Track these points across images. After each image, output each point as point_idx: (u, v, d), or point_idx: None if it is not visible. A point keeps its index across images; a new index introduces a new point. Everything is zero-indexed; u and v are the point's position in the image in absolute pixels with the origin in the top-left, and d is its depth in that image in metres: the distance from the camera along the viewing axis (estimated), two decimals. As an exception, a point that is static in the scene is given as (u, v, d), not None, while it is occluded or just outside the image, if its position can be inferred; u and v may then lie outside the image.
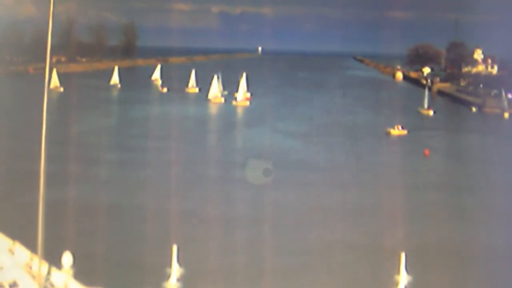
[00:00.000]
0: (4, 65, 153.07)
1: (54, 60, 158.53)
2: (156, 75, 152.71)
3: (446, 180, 59.05)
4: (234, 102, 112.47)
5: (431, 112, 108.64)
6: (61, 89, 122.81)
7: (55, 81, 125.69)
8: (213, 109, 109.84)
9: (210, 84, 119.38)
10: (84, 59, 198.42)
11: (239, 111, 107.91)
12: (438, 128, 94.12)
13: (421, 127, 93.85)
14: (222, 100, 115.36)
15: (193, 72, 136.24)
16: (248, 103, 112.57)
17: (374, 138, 78.77)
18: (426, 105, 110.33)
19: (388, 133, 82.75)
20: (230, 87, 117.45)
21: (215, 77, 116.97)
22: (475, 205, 49.38)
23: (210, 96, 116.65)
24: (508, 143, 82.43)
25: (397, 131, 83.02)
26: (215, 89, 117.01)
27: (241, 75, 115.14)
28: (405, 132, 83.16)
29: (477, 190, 54.60)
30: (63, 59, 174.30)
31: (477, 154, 74.76)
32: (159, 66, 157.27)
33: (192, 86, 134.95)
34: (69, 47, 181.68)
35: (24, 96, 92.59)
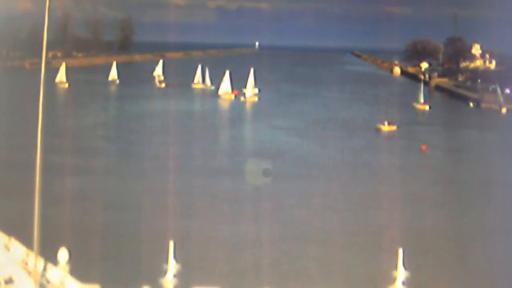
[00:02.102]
0: (0, 60, 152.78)
1: (50, 55, 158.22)
2: (158, 70, 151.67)
3: (442, 175, 58.93)
4: (242, 98, 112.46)
5: (426, 107, 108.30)
6: (66, 85, 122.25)
7: (61, 76, 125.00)
8: (224, 105, 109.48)
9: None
10: (80, 54, 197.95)
11: (249, 106, 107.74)
12: (432, 123, 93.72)
13: (414, 122, 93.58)
14: (232, 96, 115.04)
15: (199, 67, 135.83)
16: (256, 98, 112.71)
17: (365, 134, 78.44)
18: (422, 100, 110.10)
19: (379, 129, 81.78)
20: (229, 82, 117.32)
21: (227, 73, 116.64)
22: (471, 200, 49.35)
23: (221, 92, 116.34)
24: (505, 138, 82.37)
25: (386, 127, 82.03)
26: (227, 85, 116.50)
27: (249, 71, 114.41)
28: (394, 127, 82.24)
29: (474, 185, 54.52)
30: (59, 54, 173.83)
31: (474, 149, 74.62)
32: (161, 62, 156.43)
33: (198, 82, 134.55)
34: (65, 42, 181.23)
35: (22, 91, 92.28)
